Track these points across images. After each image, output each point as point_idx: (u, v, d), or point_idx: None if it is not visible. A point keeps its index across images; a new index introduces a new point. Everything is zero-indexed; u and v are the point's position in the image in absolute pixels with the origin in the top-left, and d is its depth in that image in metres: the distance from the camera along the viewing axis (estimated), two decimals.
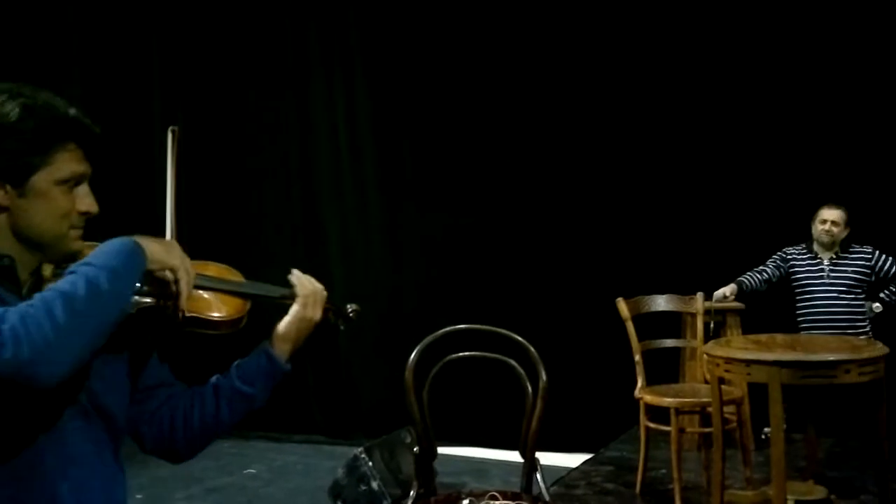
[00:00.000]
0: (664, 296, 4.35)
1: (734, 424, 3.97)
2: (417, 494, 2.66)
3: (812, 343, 3.65)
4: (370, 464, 4.17)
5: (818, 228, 4.60)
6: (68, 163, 1.34)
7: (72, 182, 1.35)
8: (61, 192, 1.34)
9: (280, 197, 6.14)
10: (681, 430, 3.90)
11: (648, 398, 4.00)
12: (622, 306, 4.17)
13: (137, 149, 5.75)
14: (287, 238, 6.05)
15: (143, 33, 6.17)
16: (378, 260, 5.87)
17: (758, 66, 5.12)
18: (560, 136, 5.45)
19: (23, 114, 1.30)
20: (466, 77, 5.57)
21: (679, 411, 3.88)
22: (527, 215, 5.48)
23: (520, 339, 2.73)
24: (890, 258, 4.56)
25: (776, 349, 3.32)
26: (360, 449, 4.27)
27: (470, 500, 2.43)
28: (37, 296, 1.19)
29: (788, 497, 3.21)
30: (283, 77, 6.04)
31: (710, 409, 3.59)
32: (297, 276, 1.61)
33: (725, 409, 3.60)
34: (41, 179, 1.32)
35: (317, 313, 1.59)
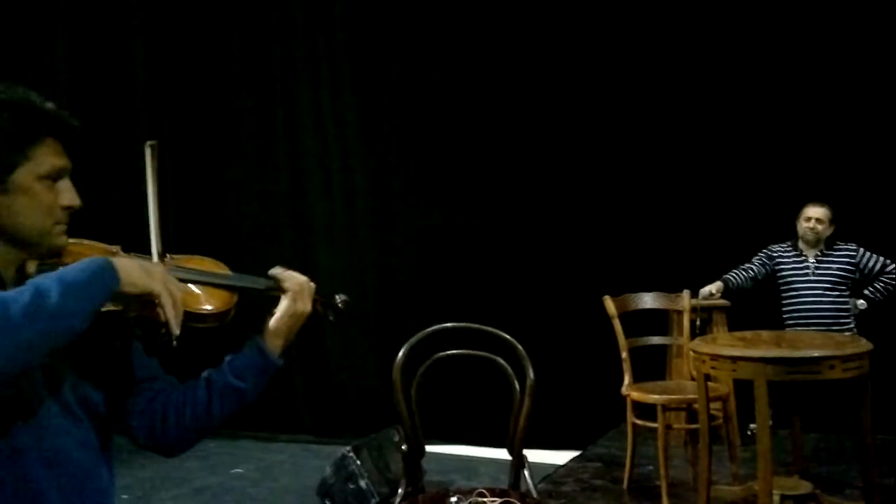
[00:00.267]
0: (651, 293, 4.37)
1: (720, 421, 3.99)
2: (405, 493, 2.66)
3: (797, 340, 3.67)
4: (358, 462, 4.17)
5: (803, 226, 4.64)
6: (48, 157, 1.33)
7: (53, 177, 1.35)
8: (44, 187, 1.33)
9: (267, 197, 6.11)
10: (668, 427, 3.92)
11: (635, 395, 4.02)
12: (609, 304, 4.19)
13: (122, 154, 5.70)
14: (274, 238, 6.02)
15: (127, 36, 6.14)
16: (365, 259, 5.87)
17: (742, 66, 5.14)
18: (547, 134, 5.46)
19: None
20: (454, 75, 5.57)
21: (666, 408, 3.90)
22: (515, 214, 5.49)
23: (507, 336, 2.73)
24: (874, 256, 4.60)
25: (762, 346, 3.34)
26: (348, 448, 4.26)
27: (458, 498, 2.44)
28: None
29: (774, 492, 3.23)
30: (272, 74, 6.01)
31: (696, 405, 3.61)
32: (281, 272, 1.61)
33: (712, 405, 3.62)
34: (22, 175, 1.31)
35: (307, 306, 1.59)
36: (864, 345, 3.21)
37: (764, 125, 5.16)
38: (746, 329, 3.88)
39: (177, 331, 1.30)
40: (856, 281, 4.63)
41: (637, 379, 4.14)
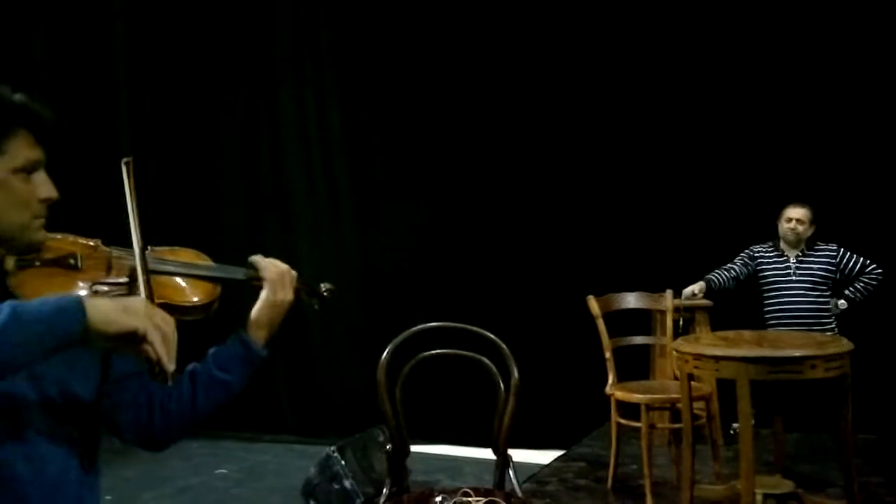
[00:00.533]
0: (634, 293, 4.39)
1: (703, 420, 4.01)
2: (390, 492, 2.66)
3: (779, 339, 3.69)
4: (342, 462, 4.16)
5: (784, 227, 4.67)
6: (22, 150, 1.31)
7: (28, 169, 1.32)
8: (19, 180, 1.31)
9: (250, 196, 6.09)
10: (651, 426, 3.94)
11: (619, 395, 4.03)
12: (593, 304, 4.20)
13: (102, 148, 5.67)
14: (257, 237, 5.99)
15: (109, 34, 6.12)
16: (350, 259, 5.85)
17: (724, 69, 5.17)
18: (531, 134, 5.47)
19: None
20: (438, 74, 5.57)
21: (649, 407, 3.91)
22: (500, 214, 5.50)
23: (492, 336, 2.73)
24: (854, 256, 4.64)
25: (744, 346, 3.36)
26: (333, 448, 4.26)
27: (443, 498, 2.44)
28: None
29: (757, 491, 3.25)
30: (255, 73, 5.99)
31: (679, 405, 3.63)
32: (259, 260, 1.59)
33: (695, 404, 3.63)
34: None
35: (288, 295, 1.58)
36: (846, 344, 3.24)
37: (746, 127, 5.19)
38: (729, 329, 3.90)
39: (170, 368, 1.20)
40: (836, 281, 4.68)
41: (621, 378, 4.15)
